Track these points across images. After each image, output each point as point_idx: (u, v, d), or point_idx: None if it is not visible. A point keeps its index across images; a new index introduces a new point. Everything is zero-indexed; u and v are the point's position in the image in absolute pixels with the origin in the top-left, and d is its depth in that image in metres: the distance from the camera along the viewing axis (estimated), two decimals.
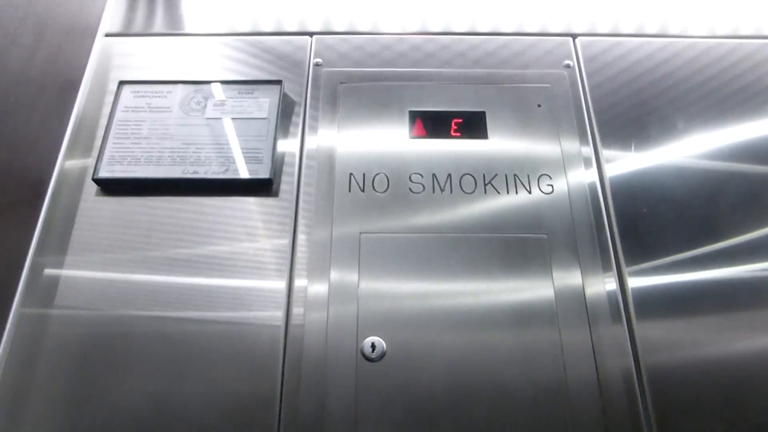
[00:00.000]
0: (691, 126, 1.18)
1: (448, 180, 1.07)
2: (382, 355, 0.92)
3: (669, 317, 0.98)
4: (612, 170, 1.11)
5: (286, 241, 1.03)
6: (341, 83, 1.19)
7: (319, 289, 0.98)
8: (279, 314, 0.97)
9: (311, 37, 1.27)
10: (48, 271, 1.02)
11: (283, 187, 1.09)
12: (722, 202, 1.10)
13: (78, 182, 1.10)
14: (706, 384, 0.94)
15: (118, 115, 1.15)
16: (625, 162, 1.12)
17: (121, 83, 1.19)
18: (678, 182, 1.11)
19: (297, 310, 0.97)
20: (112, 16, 1.34)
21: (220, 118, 1.14)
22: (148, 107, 1.16)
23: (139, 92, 1.18)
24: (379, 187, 1.07)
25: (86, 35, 1.26)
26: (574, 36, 1.28)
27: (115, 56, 1.26)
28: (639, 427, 0.89)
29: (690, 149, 1.15)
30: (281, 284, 1.00)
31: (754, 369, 0.95)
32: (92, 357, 0.94)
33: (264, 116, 1.13)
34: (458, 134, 1.12)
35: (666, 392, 0.92)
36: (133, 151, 1.10)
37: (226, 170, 1.08)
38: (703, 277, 1.02)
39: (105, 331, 0.96)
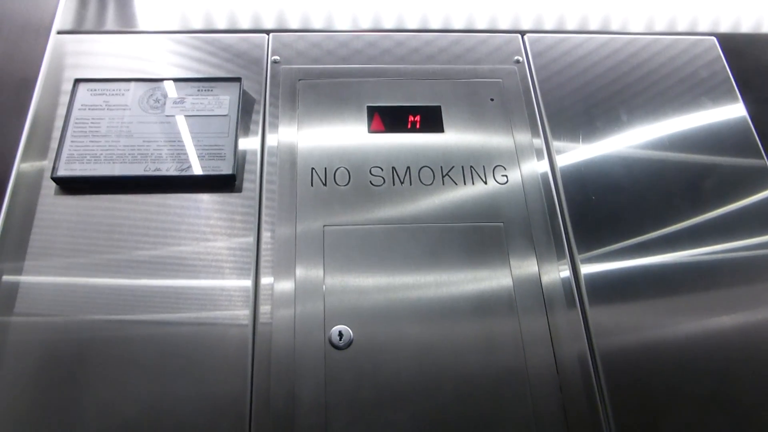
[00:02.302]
0: (633, 117, 1.25)
1: (407, 173, 1.11)
2: (350, 343, 0.95)
3: (619, 302, 1.05)
4: (562, 161, 1.17)
5: (250, 239, 1.05)
6: (300, 80, 1.21)
7: (285, 286, 1.00)
8: (246, 313, 0.99)
9: (268, 34, 1.28)
10: (6, 278, 1.00)
11: (246, 184, 1.10)
12: (664, 190, 1.17)
13: (36, 182, 1.09)
14: (654, 364, 1.00)
15: (76, 113, 1.14)
16: (575, 153, 1.18)
17: (77, 81, 1.18)
18: (623, 171, 1.18)
19: (264, 308, 0.99)
20: (64, 13, 1.32)
21: (180, 116, 1.15)
22: (106, 105, 1.15)
23: (96, 90, 1.17)
24: (340, 181, 1.10)
25: (40, 32, 1.25)
26: (522, 33, 1.34)
27: (69, 54, 1.25)
28: (594, 407, 0.95)
29: (633, 140, 1.22)
30: (247, 283, 1.01)
31: (697, 349, 1.02)
32: (54, 365, 0.93)
33: (224, 113, 1.15)
34: (416, 128, 1.16)
35: (617, 372, 0.98)
36: (93, 149, 1.10)
37: (189, 167, 1.09)
38: (649, 262, 1.09)
39: (67, 337, 0.95)
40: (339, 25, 1.34)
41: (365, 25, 1.35)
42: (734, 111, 1.28)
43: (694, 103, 1.29)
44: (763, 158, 1.23)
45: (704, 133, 1.25)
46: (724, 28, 1.52)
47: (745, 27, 1.55)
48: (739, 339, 1.04)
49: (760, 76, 1.40)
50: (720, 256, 1.11)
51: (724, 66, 1.35)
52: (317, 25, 1.34)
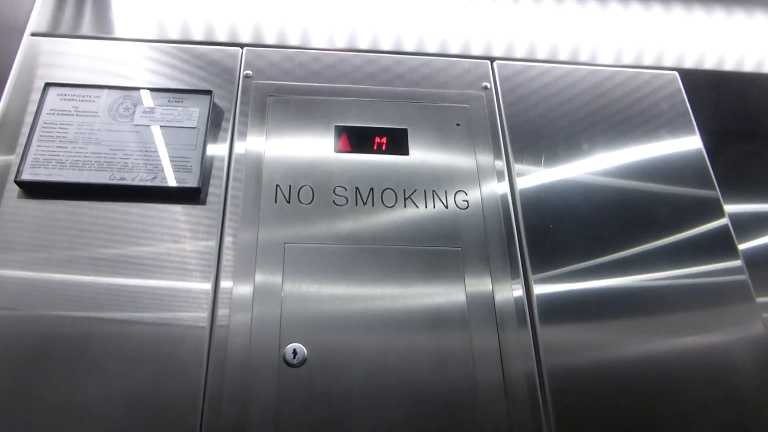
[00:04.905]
0: (594, 145, 1.29)
1: (371, 194, 1.14)
2: (303, 361, 0.97)
3: (569, 322, 1.08)
4: (523, 183, 1.21)
5: (212, 243, 1.06)
6: (270, 96, 1.23)
7: (244, 290, 1.02)
8: (204, 315, 1.00)
9: (242, 48, 1.30)
10: None
11: (211, 194, 1.12)
12: (620, 217, 1.21)
13: None
14: (601, 385, 1.04)
15: (44, 117, 1.15)
16: (535, 176, 1.22)
17: (47, 85, 1.18)
18: (581, 196, 1.21)
19: (222, 311, 1.01)
20: (39, 16, 1.33)
21: (149, 126, 1.16)
22: (75, 111, 1.16)
23: (65, 95, 1.18)
24: (304, 199, 1.12)
25: (13, 33, 1.25)
26: (492, 59, 1.37)
27: (42, 56, 1.25)
28: (539, 425, 0.98)
29: (593, 167, 1.26)
30: (207, 286, 1.03)
31: (644, 371, 1.06)
32: (10, 359, 0.94)
33: (193, 125, 1.16)
34: (381, 150, 1.19)
35: (565, 392, 1.02)
36: (59, 155, 1.11)
37: (155, 178, 1.10)
38: (601, 285, 1.13)
39: (24, 331, 0.96)
40: (314, 43, 1.36)
41: (340, 44, 1.38)
42: (691, 143, 1.33)
43: (653, 134, 1.33)
44: (715, 190, 1.28)
45: (661, 164, 1.29)
46: (689, 63, 1.57)
47: (709, 64, 1.60)
48: (685, 362, 1.08)
49: (717, 111, 1.46)
50: (669, 282, 1.15)
51: (684, 100, 1.40)
52: (293, 42, 1.36)
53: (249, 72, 1.26)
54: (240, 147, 1.17)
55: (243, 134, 1.18)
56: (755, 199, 1.36)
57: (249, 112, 1.21)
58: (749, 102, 1.65)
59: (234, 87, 1.24)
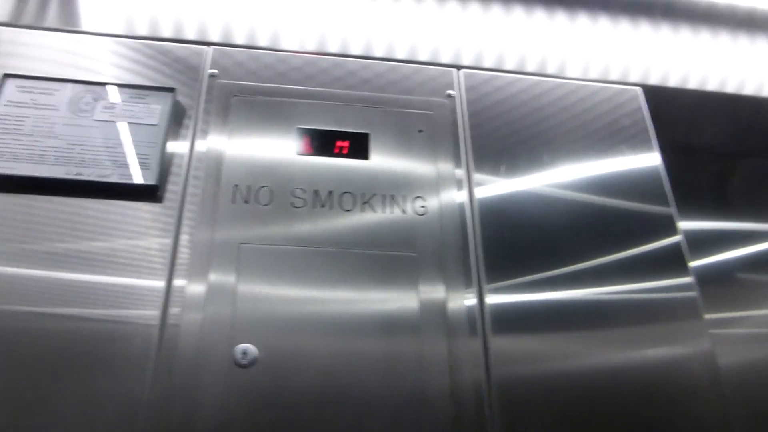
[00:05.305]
0: (555, 158, 1.30)
1: (329, 197, 1.14)
2: (253, 362, 0.97)
3: (521, 333, 1.09)
4: (481, 193, 1.22)
5: (168, 241, 1.06)
6: (234, 96, 1.22)
7: (197, 289, 1.02)
8: (156, 314, 1.00)
9: (209, 47, 1.30)
10: None
11: (169, 192, 1.11)
12: (576, 230, 1.23)
13: None
14: (550, 396, 1.05)
15: (1, 109, 1.13)
16: (495, 186, 1.23)
17: (6, 76, 1.17)
18: (539, 208, 1.23)
19: (174, 310, 1.00)
20: (2, 5, 1.31)
21: (109, 121, 1.15)
22: (33, 103, 1.15)
23: (24, 87, 1.16)
24: (262, 200, 1.12)
25: None
26: (458, 67, 1.38)
27: (3, 46, 1.24)
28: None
29: (552, 179, 1.28)
30: (160, 284, 1.02)
31: (593, 384, 1.08)
32: None
33: (154, 123, 1.15)
34: (342, 153, 1.19)
35: (512, 402, 1.03)
36: (14, 148, 1.09)
37: (112, 174, 1.09)
38: (554, 297, 1.14)
39: None
40: (284, 45, 1.36)
41: (310, 47, 1.38)
42: (649, 160, 1.36)
43: (614, 149, 1.35)
44: (670, 207, 1.30)
45: (619, 179, 1.31)
46: (653, 80, 1.60)
47: (673, 81, 1.64)
48: (633, 376, 1.09)
49: (677, 128, 1.48)
50: (621, 296, 1.17)
51: (644, 116, 1.42)
52: (262, 43, 1.36)
53: (214, 71, 1.25)
54: (201, 146, 1.17)
55: (205, 133, 1.18)
56: (709, 216, 1.39)
57: (212, 111, 1.20)
58: (710, 120, 1.68)
59: (198, 86, 1.24)
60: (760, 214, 1.71)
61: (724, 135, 1.75)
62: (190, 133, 1.18)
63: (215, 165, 1.14)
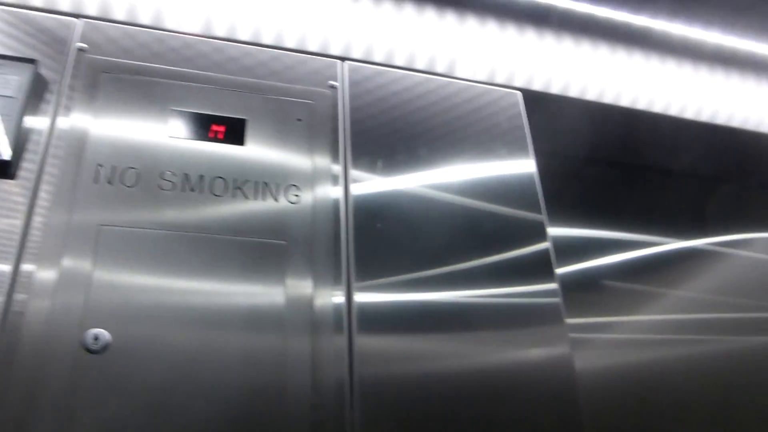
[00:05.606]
0: (433, 158, 1.33)
1: (200, 181, 1.11)
2: (105, 347, 0.93)
3: (388, 332, 1.10)
4: (357, 189, 1.22)
5: (18, 222, 0.99)
6: (104, 72, 1.17)
7: (47, 274, 0.96)
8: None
9: (79, 20, 1.23)
10: None
11: (24, 169, 1.04)
12: (448, 232, 1.25)
13: None
14: (413, 396, 1.06)
15: None
16: (371, 183, 1.24)
17: None
18: (413, 208, 1.24)
19: (20, 297, 0.94)
20: None
21: None
22: None
23: None
24: (128, 181, 1.07)
25: None
26: (343, 59, 1.38)
27: None
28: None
29: (428, 179, 1.30)
30: (6, 268, 0.96)
31: (457, 385, 1.10)
32: None
33: (10, 95, 1.08)
34: (218, 138, 1.16)
35: (375, 401, 1.03)
36: None
37: None
38: (423, 298, 1.15)
39: None
40: (168, 24, 1.31)
41: (196, 29, 1.33)
42: (524, 166, 1.40)
43: (492, 152, 1.39)
44: (542, 213, 1.35)
45: (494, 183, 1.35)
46: (537, 86, 1.66)
47: (555, 87, 1.71)
48: (496, 378, 1.13)
49: (552, 135, 1.55)
50: (489, 300, 1.20)
51: (523, 121, 1.47)
52: (144, 21, 1.30)
53: (83, 45, 1.19)
54: (63, 122, 1.10)
55: (69, 109, 1.12)
56: (577, 223, 1.46)
57: (79, 88, 1.14)
58: (587, 128, 1.78)
59: (66, 59, 1.17)
60: (628, 223, 1.82)
61: (599, 143, 1.85)
62: (51, 108, 1.11)
63: (78, 143, 1.08)
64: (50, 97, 1.12)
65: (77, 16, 1.24)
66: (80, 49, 1.19)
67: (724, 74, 1.97)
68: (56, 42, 1.19)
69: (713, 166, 1.88)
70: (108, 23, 1.25)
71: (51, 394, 0.88)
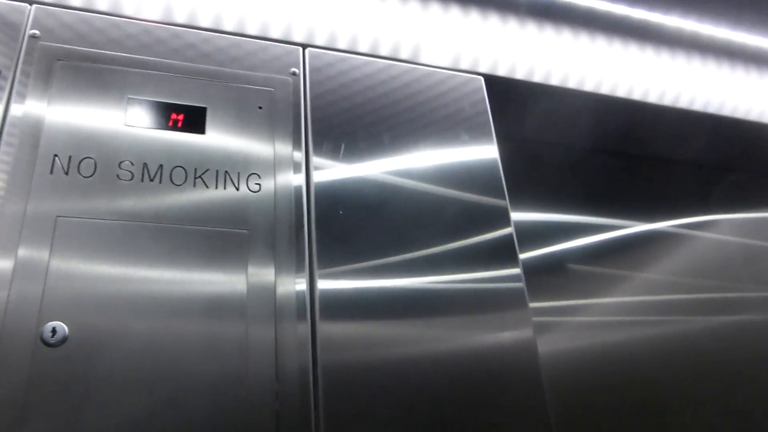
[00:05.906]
0: (396, 144, 1.33)
1: (159, 170, 1.10)
2: (63, 340, 0.92)
3: (352, 319, 1.10)
4: (319, 176, 1.22)
5: None
6: (58, 60, 1.14)
7: (2, 266, 0.95)
8: None
9: (31, 5, 1.20)
10: None
11: None
12: (411, 218, 1.25)
13: None
14: (378, 383, 1.07)
15: None
16: (333, 170, 1.24)
17: None
18: (376, 195, 1.25)
19: None
20: None
21: None
22: None
23: None
24: (84, 172, 1.05)
25: None
26: (304, 46, 1.37)
27: None
28: (307, 419, 0.99)
29: (391, 166, 1.30)
30: None
31: (423, 372, 1.11)
32: None
33: None
34: (177, 127, 1.15)
35: (338, 388, 1.04)
36: None
37: None
38: (387, 284, 1.16)
39: None
40: (126, 10, 1.29)
41: (155, 15, 1.31)
42: (488, 152, 1.42)
43: (455, 138, 1.40)
44: (505, 199, 1.36)
45: (457, 169, 1.36)
46: (502, 71, 1.67)
47: (520, 73, 1.72)
48: (462, 364, 1.14)
49: (515, 120, 1.57)
50: (453, 285, 1.22)
51: (486, 106, 1.48)
52: (101, 6, 1.28)
53: (36, 32, 1.16)
54: (17, 110, 1.08)
55: (22, 97, 1.09)
56: (541, 208, 1.48)
57: (32, 76, 1.12)
58: (551, 114, 1.80)
59: (17, 47, 1.14)
60: (592, 207, 1.85)
61: (564, 129, 1.88)
62: (4, 95, 1.09)
63: (33, 132, 1.06)
64: (3, 83, 1.10)
65: (30, 1, 1.21)
66: (33, 36, 1.16)
67: (669, 54, 2.00)
68: (7, 27, 1.16)
69: (672, 149, 1.92)
70: (60, 9, 1.22)
71: (5, 389, 0.87)
